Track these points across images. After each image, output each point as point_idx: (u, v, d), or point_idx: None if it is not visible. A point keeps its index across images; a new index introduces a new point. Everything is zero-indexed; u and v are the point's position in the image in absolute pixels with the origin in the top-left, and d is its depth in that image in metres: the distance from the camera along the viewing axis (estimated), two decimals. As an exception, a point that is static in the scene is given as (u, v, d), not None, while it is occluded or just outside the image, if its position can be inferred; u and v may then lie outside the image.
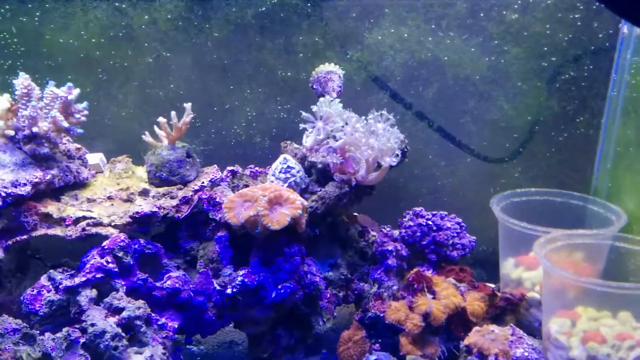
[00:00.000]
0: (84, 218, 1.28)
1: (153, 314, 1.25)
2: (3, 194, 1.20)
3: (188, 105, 1.41)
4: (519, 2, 1.64)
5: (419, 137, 1.78)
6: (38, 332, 1.14)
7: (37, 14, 1.56)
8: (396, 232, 1.66)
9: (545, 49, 1.68)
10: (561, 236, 1.48)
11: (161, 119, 1.39)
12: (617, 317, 1.39)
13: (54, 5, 1.56)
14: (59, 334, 1.13)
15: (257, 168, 1.59)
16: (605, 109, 1.70)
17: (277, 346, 1.52)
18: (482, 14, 1.66)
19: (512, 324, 1.45)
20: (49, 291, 1.22)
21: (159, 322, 1.26)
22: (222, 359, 1.56)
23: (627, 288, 1.31)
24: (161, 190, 1.38)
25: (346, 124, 1.44)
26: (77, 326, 1.16)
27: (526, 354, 1.37)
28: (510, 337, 1.41)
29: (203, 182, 1.41)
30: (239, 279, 1.32)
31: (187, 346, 1.61)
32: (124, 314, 1.18)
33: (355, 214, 1.74)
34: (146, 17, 1.58)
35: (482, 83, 1.74)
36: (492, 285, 1.63)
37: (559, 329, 1.40)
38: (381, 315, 1.47)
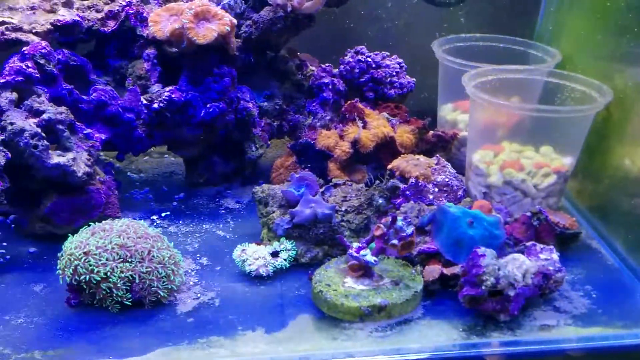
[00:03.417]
0: (3, 23, 1.25)
1: (78, 123, 1.26)
2: None
3: None
4: None
5: None
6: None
7: None
8: (336, 70, 1.66)
9: None
10: (492, 70, 1.49)
11: None
12: (539, 151, 1.44)
13: None
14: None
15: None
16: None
17: (213, 172, 1.56)
18: None
19: (439, 157, 1.49)
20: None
21: (85, 132, 1.27)
22: (160, 184, 1.60)
23: (543, 111, 1.34)
24: (86, 2, 1.34)
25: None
26: (-6, 127, 1.17)
27: (447, 179, 1.42)
28: (435, 165, 1.45)
29: (130, -2, 1.37)
30: (166, 94, 1.32)
31: (128, 173, 1.65)
32: (44, 116, 1.18)
33: (298, 53, 1.72)
34: None
35: None
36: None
37: (481, 158, 1.44)
38: (312, 142, 1.50)
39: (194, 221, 1.44)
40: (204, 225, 1.43)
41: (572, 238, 1.32)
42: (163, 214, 1.46)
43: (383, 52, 1.67)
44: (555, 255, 1.18)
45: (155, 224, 1.41)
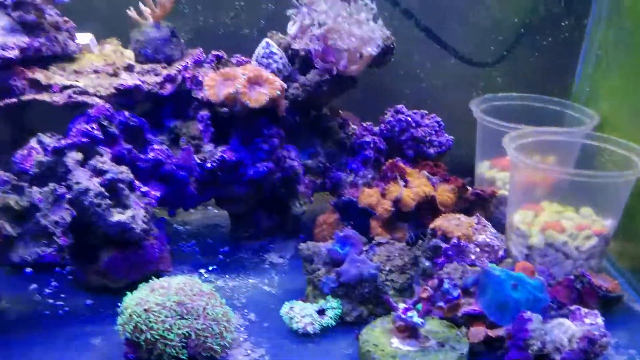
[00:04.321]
0: (71, 87, 1.33)
1: (136, 182, 1.32)
2: (-1, 55, 1.26)
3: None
4: None
5: (405, 36, 1.78)
6: (27, 184, 1.21)
7: None
8: (376, 128, 1.72)
9: (536, -53, 1.68)
10: (531, 132, 1.54)
11: (145, -3, 1.42)
12: (579, 212, 1.47)
13: None
14: (45, 188, 1.20)
15: (243, 58, 1.62)
16: (591, 12, 1.71)
17: (258, 227, 1.61)
18: None
19: (479, 215, 1.53)
20: (38, 153, 1.28)
21: (142, 190, 1.33)
22: (206, 237, 1.65)
23: (586, 175, 1.37)
24: (146, 67, 1.42)
25: (329, 10, 1.46)
26: (63, 183, 1.23)
27: (488, 239, 1.44)
28: (475, 225, 1.48)
29: (187, 63, 1.45)
30: (219, 154, 1.39)
31: (174, 225, 1.71)
32: (107, 175, 1.25)
33: (339, 111, 1.78)
34: None
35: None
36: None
37: (521, 219, 1.47)
38: (355, 200, 1.54)
39: (240, 275, 1.49)
40: (249, 280, 1.47)
41: (615, 301, 1.33)
42: (210, 268, 1.50)
43: (422, 111, 1.73)
44: (600, 320, 1.19)
45: (203, 277, 1.46)
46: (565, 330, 1.16)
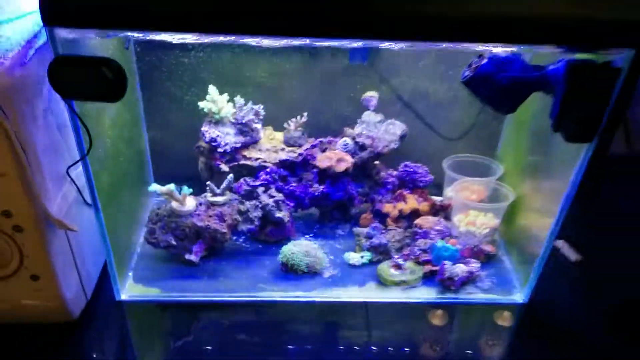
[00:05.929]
0: (259, 159, 3.12)
1: (285, 200, 3.10)
2: (232, 146, 3.05)
3: (305, 113, 3.19)
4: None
5: (414, 126, 3.34)
6: (243, 200, 3.01)
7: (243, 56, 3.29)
8: (395, 172, 3.42)
9: (479, 86, 3.31)
10: (467, 180, 3.20)
11: (292, 119, 3.20)
12: (486, 216, 3.13)
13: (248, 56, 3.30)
14: (250, 202, 2.99)
15: (332, 138, 3.35)
16: (505, 118, 3.35)
17: (332, 217, 3.32)
18: (450, 72, 3.30)
19: (440, 218, 3.21)
20: (244, 185, 3.08)
21: (286, 203, 3.10)
22: (306, 221, 3.38)
23: (486, 205, 3.04)
24: (289, 149, 3.18)
25: (375, 126, 3.18)
26: (257, 201, 3.02)
27: (441, 228, 3.13)
28: (437, 221, 3.17)
29: (307, 147, 3.21)
30: (321, 189, 3.14)
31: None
32: (275, 198, 3.02)
33: (376, 162, 3.49)
34: (287, 65, 3.31)
35: (448, 103, 3.38)
36: (439, 198, 3.37)
37: (458, 219, 3.12)
38: (380, 209, 3.26)
39: (324, 239, 3.13)
40: (329, 242, 3.15)
41: (492, 256, 3.00)
42: (310, 235, 3.19)
43: (419, 164, 3.41)
44: (477, 265, 2.84)
45: (307, 239, 3.22)
46: (461, 268, 2.85)
